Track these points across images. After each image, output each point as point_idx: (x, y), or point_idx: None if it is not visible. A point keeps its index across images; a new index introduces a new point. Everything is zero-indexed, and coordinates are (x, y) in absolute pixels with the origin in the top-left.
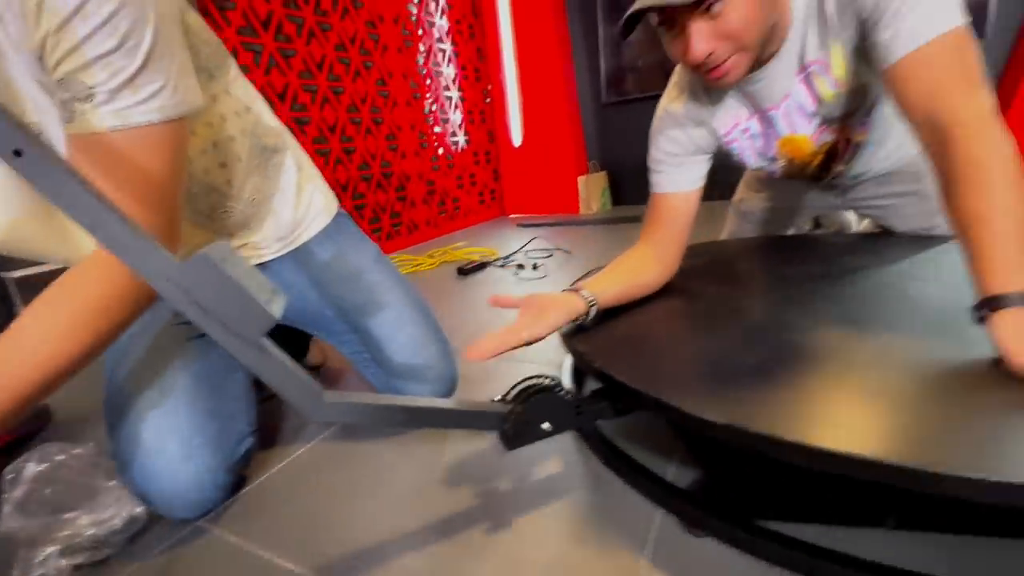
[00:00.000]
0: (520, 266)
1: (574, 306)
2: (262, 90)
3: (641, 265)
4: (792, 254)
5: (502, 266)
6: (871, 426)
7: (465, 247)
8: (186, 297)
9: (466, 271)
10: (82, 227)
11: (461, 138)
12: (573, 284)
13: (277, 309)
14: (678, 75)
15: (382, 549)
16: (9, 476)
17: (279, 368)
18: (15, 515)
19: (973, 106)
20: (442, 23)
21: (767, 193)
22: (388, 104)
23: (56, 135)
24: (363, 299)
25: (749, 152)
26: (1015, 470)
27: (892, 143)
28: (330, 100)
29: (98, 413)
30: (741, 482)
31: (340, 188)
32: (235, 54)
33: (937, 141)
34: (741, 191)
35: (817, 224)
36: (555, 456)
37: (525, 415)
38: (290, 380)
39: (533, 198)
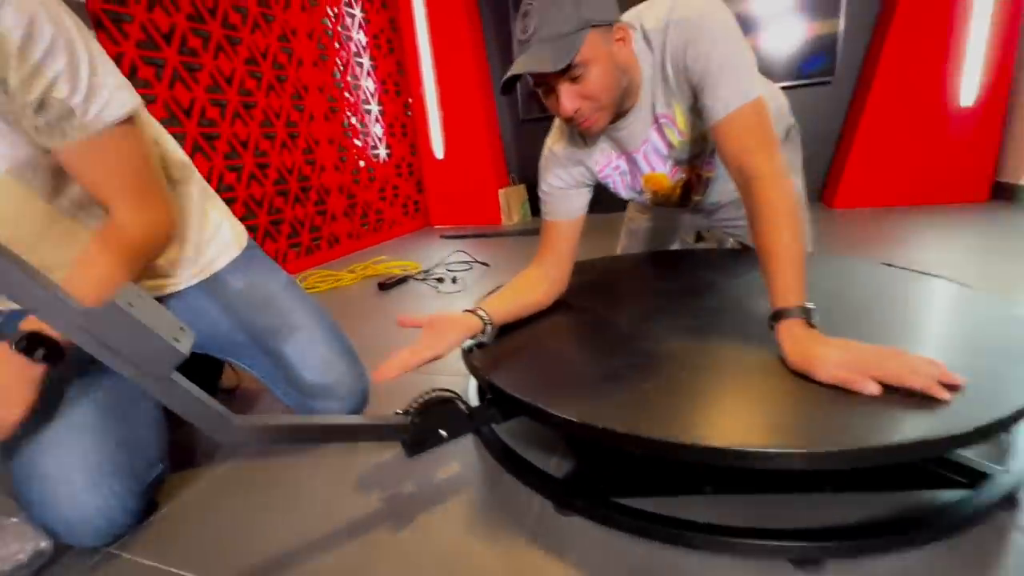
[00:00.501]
0: (440, 280)
1: (472, 325)
2: (165, 105)
3: (533, 285)
4: (663, 270)
5: (423, 280)
6: (680, 416)
7: (387, 261)
8: (96, 342)
9: (387, 286)
10: None
11: (383, 151)
12: (476, 304)
13: (185, 347)
14: (559, 121)
15: (293, 556)
16: None
17: (189, 399)
18: None
19: (768, 164)
20: (359, 37)
21: (650, 215)
22: (304, 118)
23: (8, 161)
24: (276, 323)
25: (621, 186)
26: (789, 440)
27: None
28: (241, 115)
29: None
30: (606, 468)
31: (255, 204)
32: (134, 68)
33: (744, 187)
34: (630, 212)
35: (699, 237)
36: (455, 459)
37: (424, 424)
38: (201, 409)
39: (457, 209)
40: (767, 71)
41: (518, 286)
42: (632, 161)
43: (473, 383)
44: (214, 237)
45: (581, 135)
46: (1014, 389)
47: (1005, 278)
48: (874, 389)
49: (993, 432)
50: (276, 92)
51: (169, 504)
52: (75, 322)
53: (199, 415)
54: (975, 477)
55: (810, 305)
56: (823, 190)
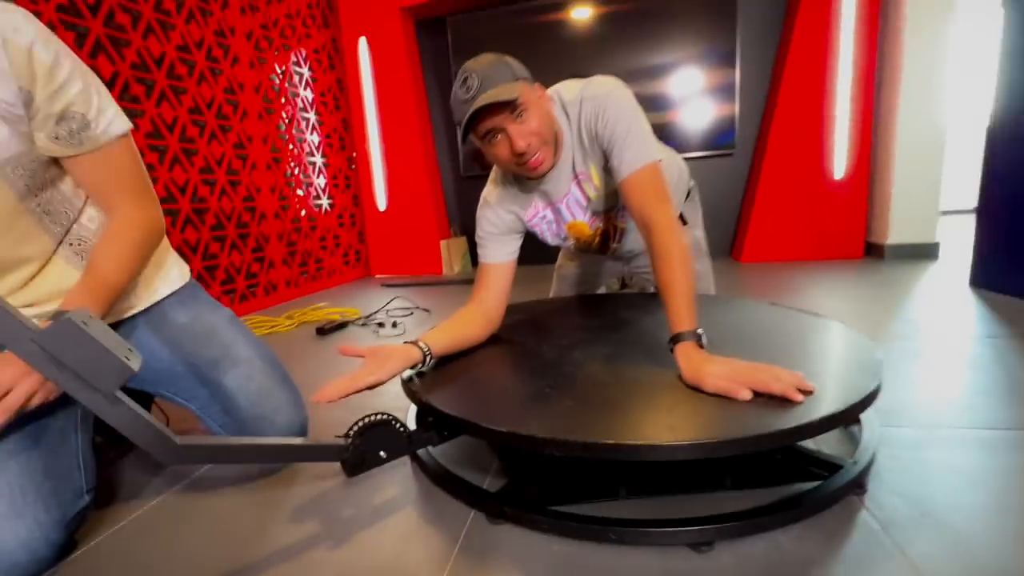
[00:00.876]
0: (380, 324)
1: (412, 355)
2: None
3: (469, 321)
4: (586, 310)
5: (363, 325)
6: (594, 422)
7: (326, 307)
8: (45, 357)
9: (325, 331)
10: None
11: (325, 201)
12: (416, 338)
13: (135, 364)
14: (495, 174)
15: None
16: None
17: (133, 417)
18: None
19: (663, 215)
20: (306, 94)
21: (577, 261)
22: (247, 166)
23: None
24: (216, 355)
25: (548, 233)
26: (675, 436)
27: None
28: (181, 160)
29: None
30: (533, 481)
31: (189, 249)
32: None
33: (645, 234)
34: (560, 260)
35: (623, 284)
36: (392, 483)
37: (363, 446)
38: (144, 428)
39: (399, 259)
40: (684, 143)
41: (457, 322)
42: (557, 211)
43: (413, 411)
44: (159, 267)
45: (516, 186)
46: (850, 393)
47: (870, 316)
48: (746, 395)
49: (830, 424)
50: (219, 140)
51: (92, 542)
52: (28, 336)
53: (142, 434)
54: (833, 469)
55: (700, 330)
56: (732, 246)
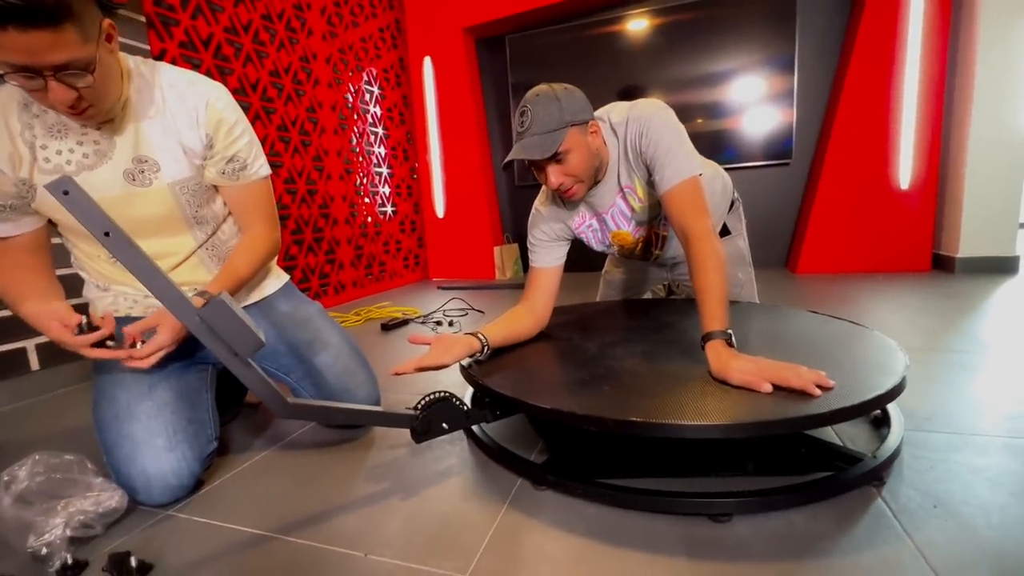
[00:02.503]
0: (438, 323)
1: (473, 345)
2: None
3: (521, 318)
4: (630, 313)
5: (422, 323)
6: (628, 404)
7: (389, 306)
8: (205, 327)
9: (389, 327)
10: (145, 286)
11: (389, 208)
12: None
13: (264, 336)
14: (546, 187)
15: (323, 515)
16: (5, 478)
17: (259, 379)
18: (16, 504)
19: (701, 225)
20: (375, 110)
21: (623, 268)
22: (323, 177)
23: (173, 177)
24: (311, 338)
25: (593, 240)
26: (698, 418)
27: None
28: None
29: (79, 435)
30: (573, 455)
31: None
32: None
33: (683, 242)
34: (607, 266)
35: (670, 291)
36: (452, 455)
37: (429, 416)
38: (268, 387)
39: (455, 264)
40: (740, 152)
41: (510, 318)
42: (602, 220)
43: (470, 394)
44: (269, 271)
45: (563, 201)
46: (866, 390)
47: (927, 329)
48: (767, 388)
49: (840, 416)
50: (300, 154)
51: (214, 481)
52: (195, 311)
53: (265, 392)
54: (854, 462)
55: (729, 331)
56: (788, 257)
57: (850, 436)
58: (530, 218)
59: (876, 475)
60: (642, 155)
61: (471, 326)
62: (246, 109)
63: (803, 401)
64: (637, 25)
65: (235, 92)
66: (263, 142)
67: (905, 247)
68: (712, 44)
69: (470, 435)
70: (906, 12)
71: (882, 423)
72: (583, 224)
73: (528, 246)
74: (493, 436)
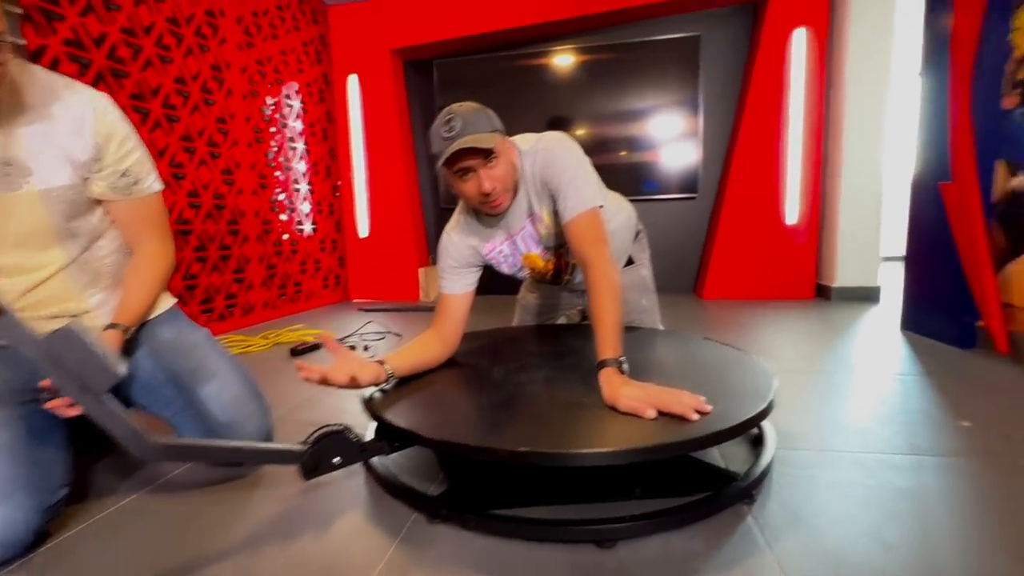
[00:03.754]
0: (352, 347)
1: (377, 373)
2: None
3: (429, 345)
4: (539, 339)
5: None
6: (521, 433)
7: (302, 329)
8: (49, 359)
9: (299, 351)
10: None
11: (308, 226)
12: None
13: (121, 369)
14: (459, 209)
15: (191, 567)
16: None
17: (115, 417)
18: None
19: (598, 255)
20: (296, 125)
21: (537, 293)
22: (233, 191)
23: (47, 184)
24: (194, 366)
25: (504, 265)
26: (585, 446)
27: None
28: (170, 184)
29: None
30: (469, 488)
31: None
32: None
33: (584, 270)
34: (522, 291)
35: (584, 316)
36: (346, 489)
37: (319, 451)
38: (124, 426)
39: (378, 285)
40: (654, 185)
41: (417, 346)
42: (513, 243)
43: (372, 427)
44: None
45: (477, 223)
46: (738, 414)
47: (806, 353)
48: (652, 414)
49: (715, 440)
50: (207, 166)
51: (61, 536)
52: (35, 342)
53: (123, 431)
54: (730, 480)
55: (622, 358)
56: (696, 283)
57: (731, 455)
58: (440, 245)
59: (747, 493)
60: (547, 184)
61: (388, 350)
62: (144, 116)
63: (682, 426)
64: (563, 60)
65: (131, 97)
66: (163, 152)
67: (793, 277)
68: (630, 83)
69: (369, 468)
70: (790, 69)
71: (759, 442)
72: (494, 249)
73: (438, 271)
74: (393, 469)
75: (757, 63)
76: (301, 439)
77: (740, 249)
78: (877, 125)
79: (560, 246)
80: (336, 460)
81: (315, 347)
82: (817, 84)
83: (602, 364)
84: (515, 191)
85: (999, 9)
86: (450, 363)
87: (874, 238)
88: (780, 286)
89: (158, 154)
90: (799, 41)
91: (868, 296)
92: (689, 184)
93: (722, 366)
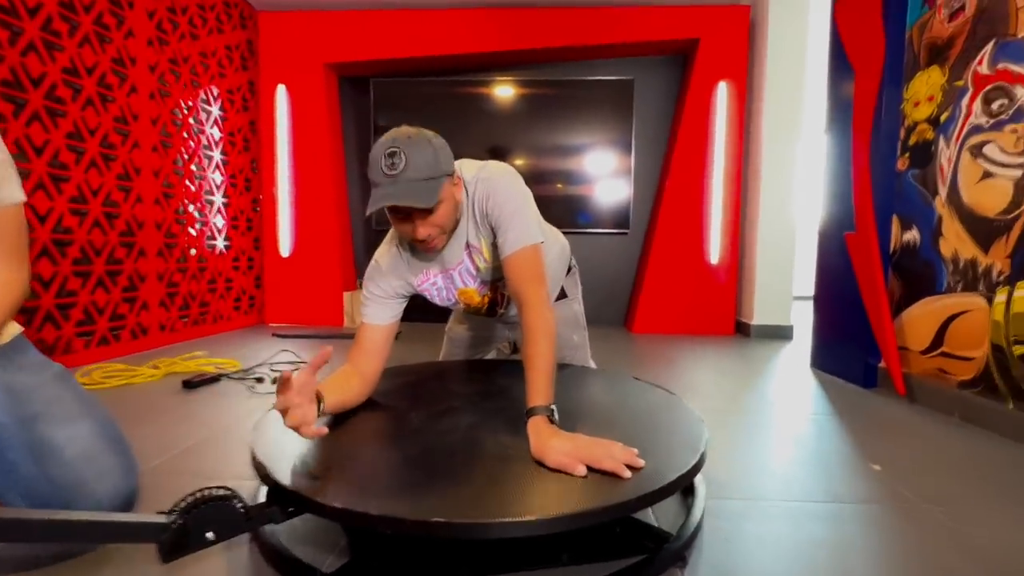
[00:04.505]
0: (259, 379)
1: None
2: None
3: (350, 383)
4: (467, 376)
5: (240, 379)
6: (434, 498)
7: (202, 357)
8: None
9: (193, 384)
10: None
11: (221, 242)
12: None
13: None
14: (390, 240)
15: None
16: None
17: None
18: None
19: (536, 294)
20: (213, 132)
21: (467, 324)
22: (130, 199)
23: None
24: (34, 411)
25: (437, 298)
26: (506, 514)
27: None
28: (46, 186)
29: None
30: (375, 560)
31: (41, 284)
32: None
33: (518, 308)
34: (450, 323)
35: (515, 348)
36: (225, 562)
37: (188, 524)
38: None
39: (297, 308)
40: (586, 219)
41: (340, 382)
42: (449, 277)
43: (264, 488)
44: None
45: (410, 253)
46: (669, 470)
47: (728, 390)
48: (582, 471)
49: (648, 501)
50: (98, 169)
51: None
52: None
53: None
54: (662, 541)
55: (552, 406)
56: (626, 317)
57: (660, 506)
58: (368, 270)
59: (679, 556)
60: (488, 217)
61: None
62: (21, 106)
63: (614, 485)
64: (503, 91)
65: (3, 84)
66: (42, 148)
67: (715, 314)
68: (568, 119)
69: (255, 536)
70: (714, 118)
71: (688, 491)
72: (427, 282)
73: (362, 298)
74: (285, 537)
75: (685, 110)
76: (175, 500)
77: (668, 286)
78: (789, 175)
79: (498, 279)
80: (210, 535)
81: (213, 379)
82: (737, 134)
83: (531, 412)
84: (455, 227)
85: (893, 80)
86: (365, 405)
87: (787, 280)
88: (704, 322)
89: (35, 152)
90: (722, 93)
91: (782, 334)
92: (621, 220)
93: (652, 411)
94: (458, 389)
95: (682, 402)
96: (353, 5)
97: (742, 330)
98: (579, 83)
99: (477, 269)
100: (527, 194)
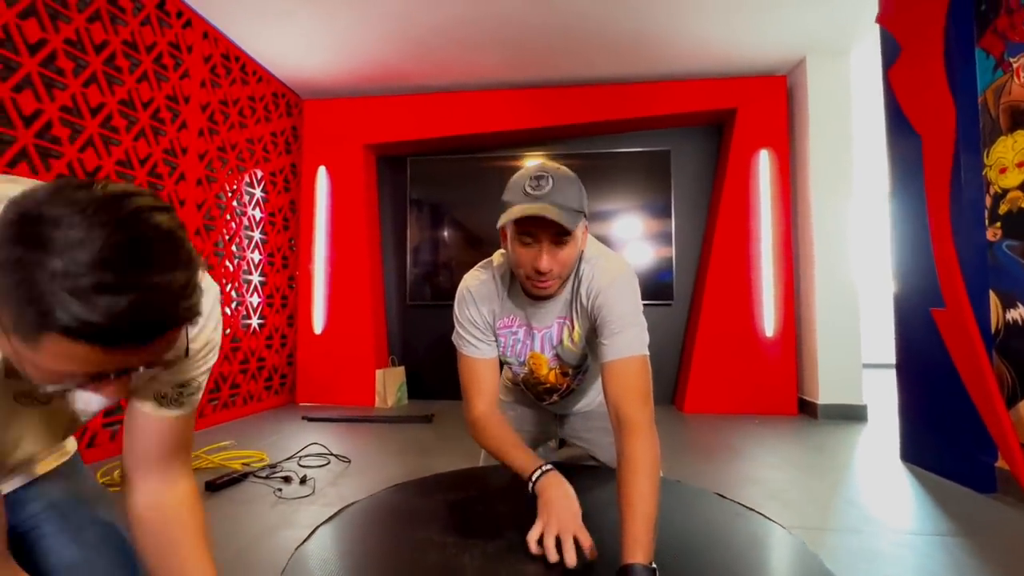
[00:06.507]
0: (287, 479)
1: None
2: None
3: (506, 425)
4: (518, 492)
5: (266, 477)
6: None
7: (229, 449)
8: None
9: (217, 486)
10: None
11: (255, 321)
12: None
13: None
14: (485, 270)
15: None
16: None
17: None
18: None
19: (641, 415)
20: (254, 213)
21: (507, 416)
22: None
23: None
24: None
25: (509, 350)
26: None
27: (592, 394)
28: None
29: None
30: None
31: None
32: None
33: (617, 428)
34: None
35: (561, 444)
36: None
37: None
38: None
39: (328, 387)
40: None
41: (511, 433)
42: (531, 335)
43: None
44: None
45: (509, 290)
46: None
47: (812, 495)
48: None
49: None
50: None
51: None
52: None
53: None
54: None
55: (654, 565)
56: (674, 394)
57: None
58: (457, 300)
59: None
60: (594, 306)
61: (330, 485)
62: None
63: None
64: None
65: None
66: None
67: (774, 392)
68: (602, 187)
69: None
70: (757, 186)
71: None
72: (509, 328)
73: (458, 336)
74: None
75: (727, 179)
76: None
77: (719, 361)
78: (844, 238)
79: (570, 368)
80: None
81: (242, 477)
82: (783, 201)
83: (627, 572)
84: (566, 283)
85: (970, 147)
86: (411, 540)
87: (855, 352)
88: (762, 400)
89: None
90: (764, 160)
91: (855, 414)
92: (665, 291)
93: (755, 550)
94: (516, 511)
95: (798, 541)
96: (391, 91)
97: (807, 410)
98: (614, 155)
99: (560, 342)
100: (639, 300)
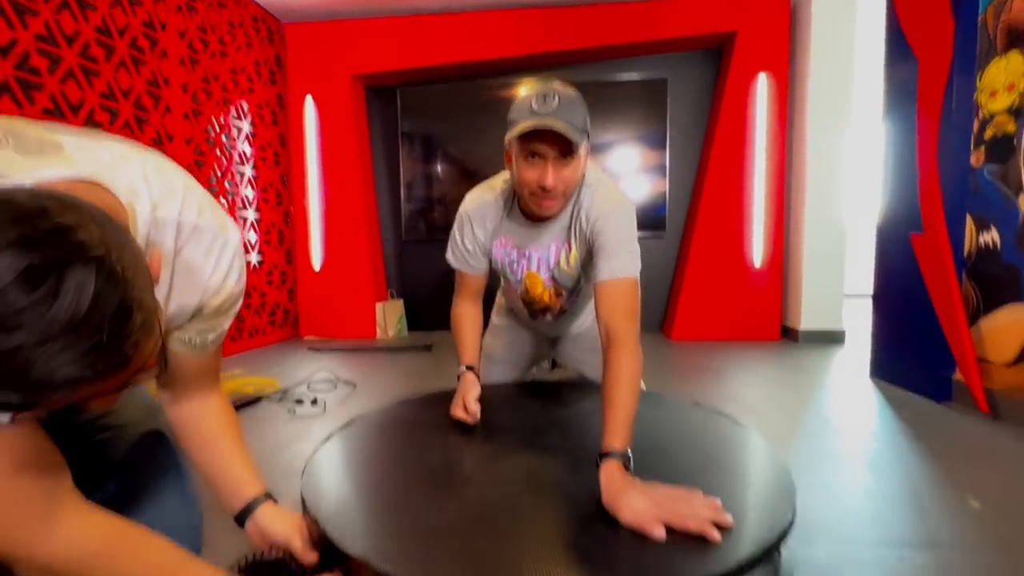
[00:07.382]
0: (299, 401)
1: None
2: None
3: (477, 318)
4: (515, 404)
5: (280, 400)
6: (502, 568)
7: (241, 376)
8: None
9: (235, 407)
10: None
11: (254, 257)
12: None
13: None
14: (487, 190)
15: None
16: None
17: None
18: None
19: (627, 331)
20: (244, 148)
21: (505, 339)
22: None
23: None
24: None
25: (508, 267)
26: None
27: (583, 316)
28: None
29: None
30: None
31: None
32: None
33: (605, 342)
34: (487, 337)
35: (553, 365)
36: None
37: None
38: None
39: (331, 320)
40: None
41: (471, 328)
42: (525, 256)
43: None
44: None
45: (509, 211)
46: (764, 530)
47: (785, 408)
48: (660, 533)
49: (744, 570)
50: None
51: None
52: None
53: None
54: None
55: (629, 452)
56: (663, 323)
57: None
58: (456, 223)
59: None
60: (593, 229)
61: (339, 405)
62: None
63: (701, 552)
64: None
65: (46, 112)
66: None
67: (759, 319)
68: (597, 118)
69: None
70: (754, 113)
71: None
72: (502, 248)
73: (453, 251)
74: None
75: (723, 105)
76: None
77: (708, 290)
78: (837, 167)
79: (567, 289)
80: None
81: (254, 401)
82: (779, 127)
83: (605, 455)
84: (566, 206)
85: (964, 68)
86: (415, 445)
87: (838, 281)
88: (748, 327)
89: None
90: (762, 85)
91: (834, 339)
92: (657, 221)
93: (724, 450)
94: (509, 422)
95: (757, 437)
96: (378, 13)
97: (789, 335)
98: (609, 84)
99: (557, 264)
100: (635, 229)
